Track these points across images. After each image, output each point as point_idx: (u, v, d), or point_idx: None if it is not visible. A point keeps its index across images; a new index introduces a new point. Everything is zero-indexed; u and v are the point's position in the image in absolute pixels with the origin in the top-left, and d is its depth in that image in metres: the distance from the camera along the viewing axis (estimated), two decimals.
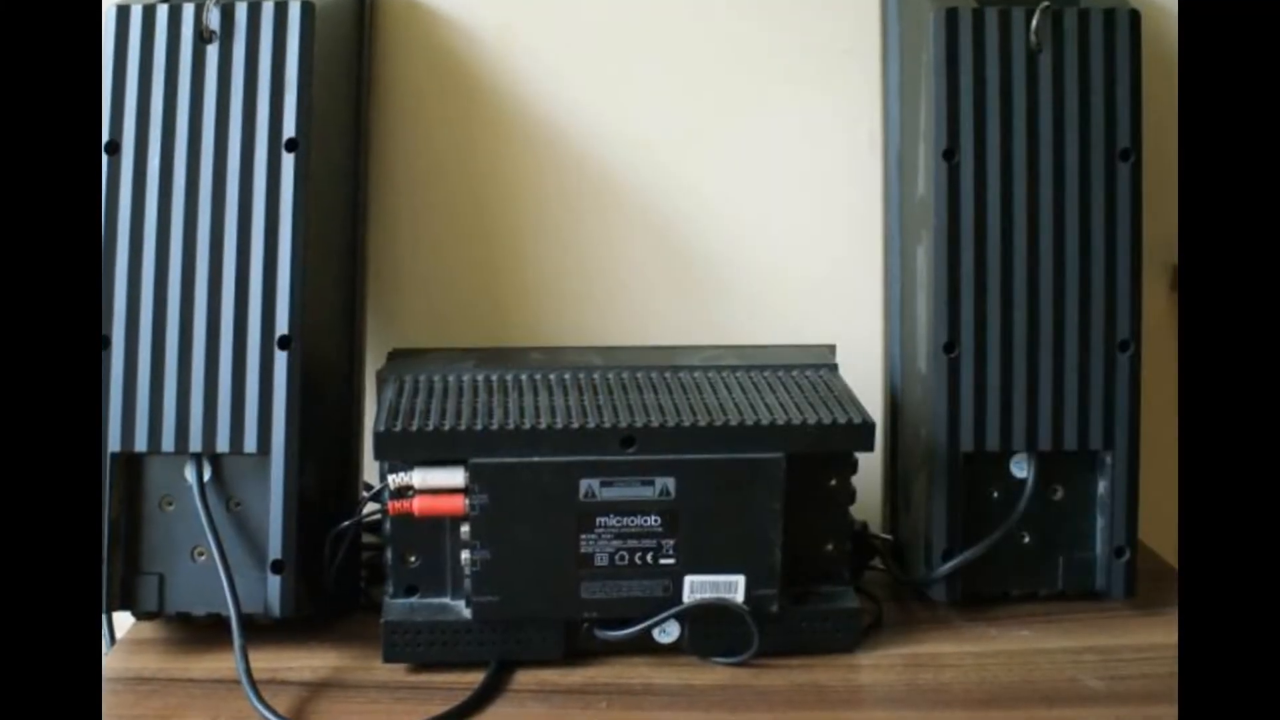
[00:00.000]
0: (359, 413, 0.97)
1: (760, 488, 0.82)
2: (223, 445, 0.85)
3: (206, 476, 0.85)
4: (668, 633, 0.85)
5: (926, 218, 0.91)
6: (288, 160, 0.86)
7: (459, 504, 0.81)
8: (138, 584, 0.86)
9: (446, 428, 0.81)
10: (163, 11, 0.86)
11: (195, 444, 0.85)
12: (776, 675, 0.84)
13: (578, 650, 0.85)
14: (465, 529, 0.82)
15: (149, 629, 0.90)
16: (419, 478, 0.81)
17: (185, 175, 0.86)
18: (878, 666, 0.86)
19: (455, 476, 0.81)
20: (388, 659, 0.84)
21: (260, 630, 0.87)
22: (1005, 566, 0.92)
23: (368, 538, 0.96)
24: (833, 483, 0.86)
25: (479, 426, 0.81)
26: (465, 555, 0.82)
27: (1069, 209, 0.90)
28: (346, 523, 0.88)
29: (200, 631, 0.88)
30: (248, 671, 0.80)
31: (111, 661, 0.86)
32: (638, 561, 0.83)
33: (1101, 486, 0.92)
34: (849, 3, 1.04)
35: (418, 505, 0.82)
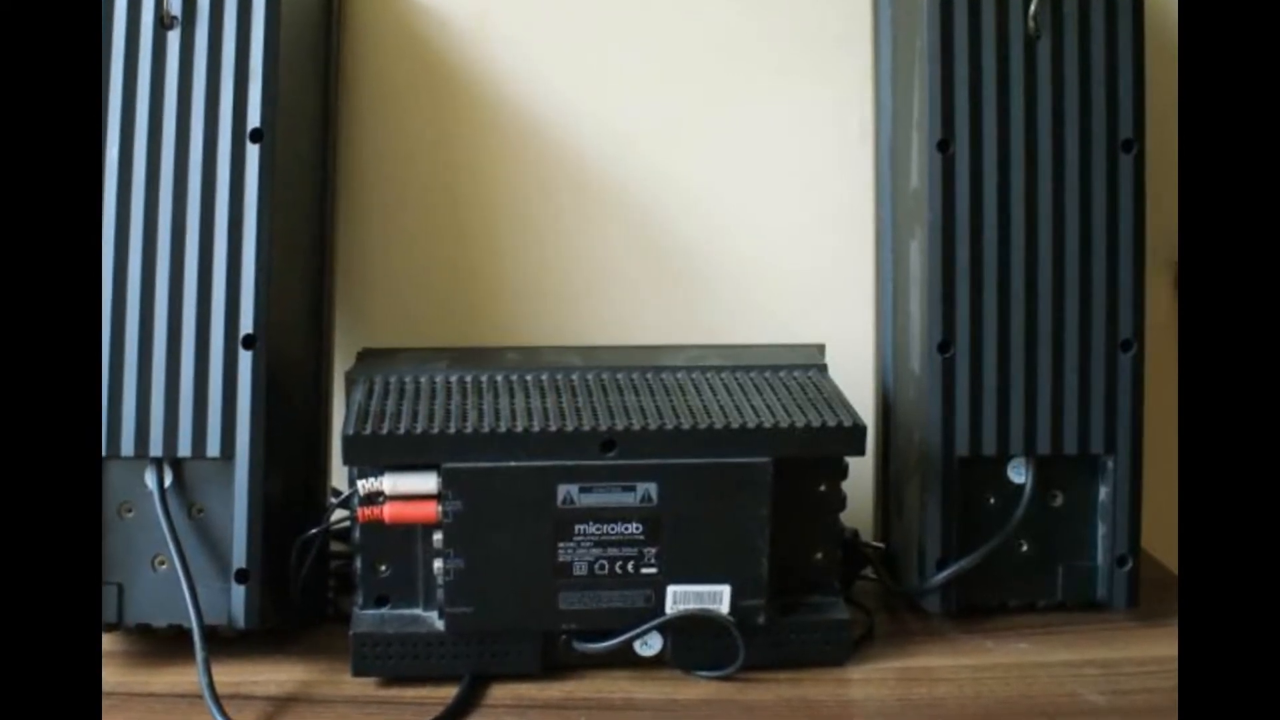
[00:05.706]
0: (327, 415, 0.96)
1: (746, 494, 0.81)
2: (184, 449, 0.84)
3: (167, 482, 0.84)
4: (650, 645, 0.84)
5: (920, 211, 0.91)
6: (252, 152, 0.85)
7: (431, 511, 0.81)
8: None
9: (418, 431, 0.80)
10: None
11: (156, 448, 0.84)
12: (763, 689, 0.83)
13: (556, 663, 0.84)
14: (438, 537, 0.81)
15: (108, 641, 0.88)
16: (389, 483, 0.81)
17: (145, 167, 0.85)
18: (869, 680, 0.85)
19: (427, 482, 0.80)
20: (357, 672, 0.83)
21: (224, 642, 0.86)
22: (1002, 576, 0.92)
23: (336, 546, 0.95)
24: (822, 488, 0.85)
25: (452, 430, 0.80)
26: (438, 564, 0.81)
27: (1069, 202, 0.89)
28: (314, 530, 0.88)
29: (161, 643, 0.87)
30: (211, 685, 0.80)
31: None
32: (618, 571, 0.82)
33: (1103, 492, 0.91)
34: None
35: (388, 512, 0.81)
